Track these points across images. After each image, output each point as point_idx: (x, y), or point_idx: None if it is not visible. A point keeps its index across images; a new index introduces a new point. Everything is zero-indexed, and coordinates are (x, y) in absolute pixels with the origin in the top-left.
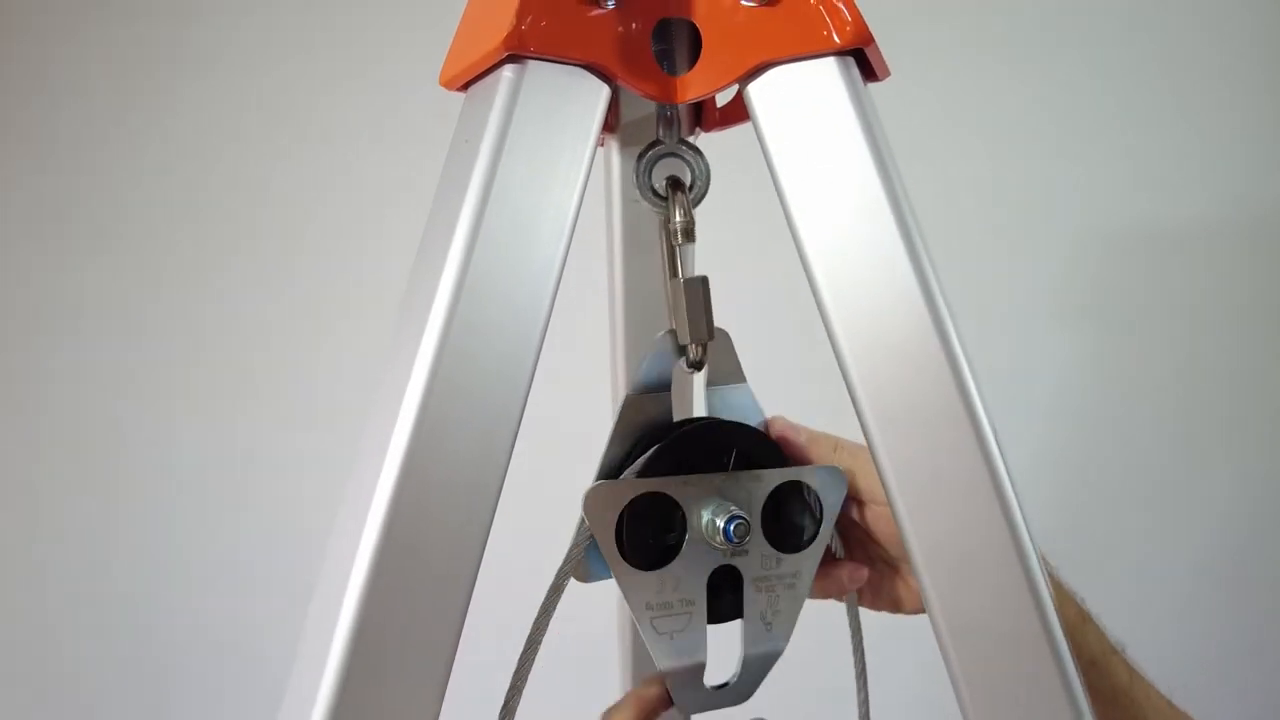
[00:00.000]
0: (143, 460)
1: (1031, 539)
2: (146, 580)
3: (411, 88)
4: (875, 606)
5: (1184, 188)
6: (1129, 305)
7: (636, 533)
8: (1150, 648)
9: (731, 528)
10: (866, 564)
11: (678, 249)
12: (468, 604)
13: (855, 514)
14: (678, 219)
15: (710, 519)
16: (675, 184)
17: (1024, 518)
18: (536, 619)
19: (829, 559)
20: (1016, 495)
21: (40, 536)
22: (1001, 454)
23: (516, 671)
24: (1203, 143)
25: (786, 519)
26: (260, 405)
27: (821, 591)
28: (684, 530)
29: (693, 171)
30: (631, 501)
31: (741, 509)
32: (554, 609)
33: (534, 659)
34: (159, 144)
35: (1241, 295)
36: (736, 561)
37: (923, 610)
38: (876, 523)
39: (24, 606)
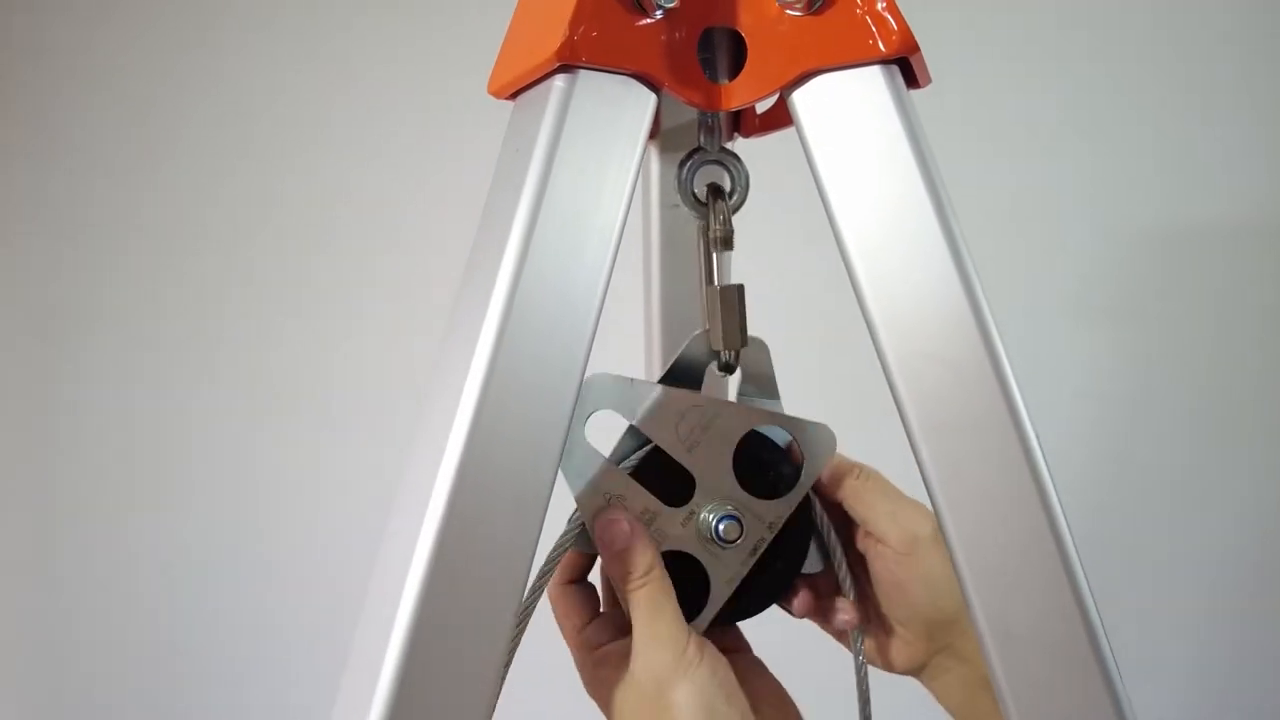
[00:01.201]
0: (159, 462)
1: (1076, 547)
2: (164, 582)
3: (426, 92)
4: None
5: (1205, 187)
6: (1150, 306)
7: None
8: (1174, 646)
9: (721, 527)
10: (861, 610)
11: (715, 255)
12: (519, 603)
13: (860, 545)
14: (717, 227)
15: (705, 518)
16: (716, 191)
17: (1068, 526)
18: (528, 594)
19: (829, 584)
20: (1060, 503)
21: (56, 539)
22: (1046, 462)
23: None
24: (1224, 142)
25: (761, 468)
26: (276, 407)
27: (805, 610)
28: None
29: (733, 179)
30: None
31: (735, 504)
32: (543, 589)
33: (523, 634)
34: (175, 149)
35: (1263, 295)
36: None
37: (912, 670)
38: (876, 562)
39: (40, 609)
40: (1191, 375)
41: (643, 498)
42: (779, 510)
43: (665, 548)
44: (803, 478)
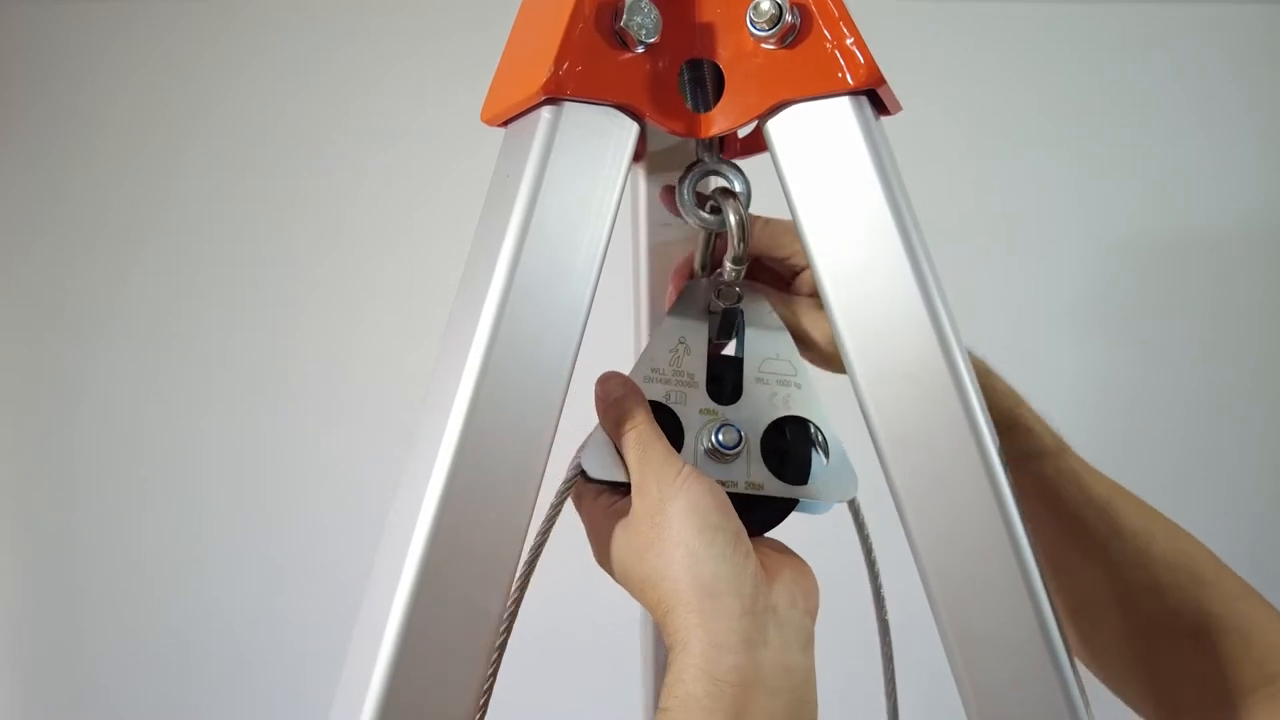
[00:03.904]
0: (170, 461)
1: (1033, 553)
2: (172, 578)
3: (434, 94)
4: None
5: (1201, 196)
6: (1144, 315)
7: None
8: None
9: (720, 435)
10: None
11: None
12: (508, 592)
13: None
14: (732, 220)
15: (705, 431)
16: (725, 192)
17: (1026, 533)
18: (529, 551)
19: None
20: (1019, 511)
21: (67, 534)
22: (1006, 472)
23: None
24: (1220, 152)
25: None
26: (285, 405)
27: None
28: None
29: (735, 183)
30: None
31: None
32: (555, 519)
33: (526, 586)
34: (188, 149)
35: (1258, 301)
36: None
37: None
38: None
39: (49, 605)
40: (1185, 383)
41: (698, 361)
42: (768, 485)
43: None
44: (804, 488)
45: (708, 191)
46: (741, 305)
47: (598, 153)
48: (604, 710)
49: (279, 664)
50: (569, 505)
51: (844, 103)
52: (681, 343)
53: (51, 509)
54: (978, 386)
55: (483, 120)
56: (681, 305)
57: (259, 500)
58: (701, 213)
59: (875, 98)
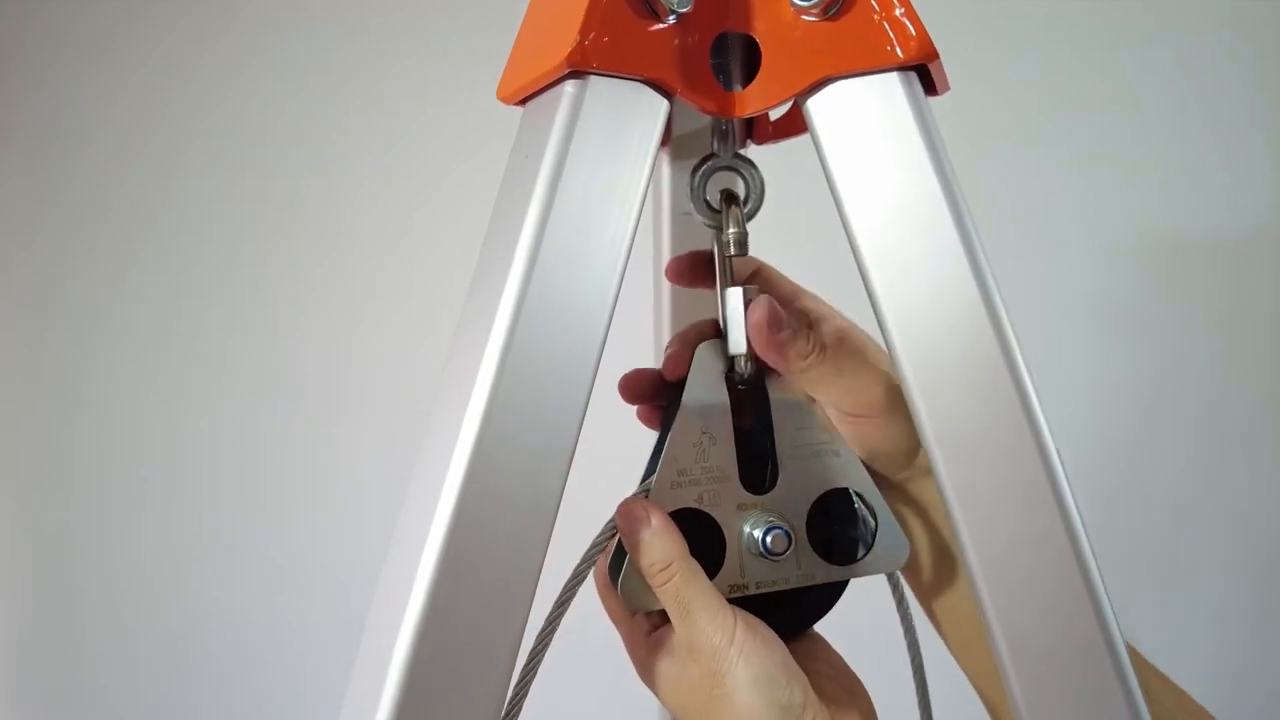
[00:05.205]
0: (170, 461)
1: (1097, 564)
2: (173, 580)
3: (434, 94)
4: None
5: (1212, 197)
6: (1156, 316)
7: None
8: (1179, 650)
9: (769, 538)
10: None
11: (729, 260)
12: (527, 616)
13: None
14: (731, 231)
15: (749, 532)
16: (730, 198)
17: (1090, 543)
18: (554, 607)
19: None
20: (1083, 520)
21: (67, 534)
22: (1067, 476)
23: (527, 664)
24: (1231, 152)
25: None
26: (287, 407)
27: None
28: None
29: (747, 185)
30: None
31: (781, 515)
32: (571, 600)
33: (545, 650)
34: (189, 147)
35: (1270, 303)
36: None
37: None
38: (840, 424)
39: (49, 606)
40: (1197, 384)
41: (726, 451)
42: (819, 572)
43: (700, 506)
44: (856, 566)
45: (719, 189)
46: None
47: (625, 131)
48: (616, 712)
49: (279, 664)
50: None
51: (893, 79)
52: (705, 434)
53: (51, 509)
54: (1036, 386)
55: (499, 98)
56: (696, 382)
57: (259, 500)
58: (710, 211)
59: (925, 74)
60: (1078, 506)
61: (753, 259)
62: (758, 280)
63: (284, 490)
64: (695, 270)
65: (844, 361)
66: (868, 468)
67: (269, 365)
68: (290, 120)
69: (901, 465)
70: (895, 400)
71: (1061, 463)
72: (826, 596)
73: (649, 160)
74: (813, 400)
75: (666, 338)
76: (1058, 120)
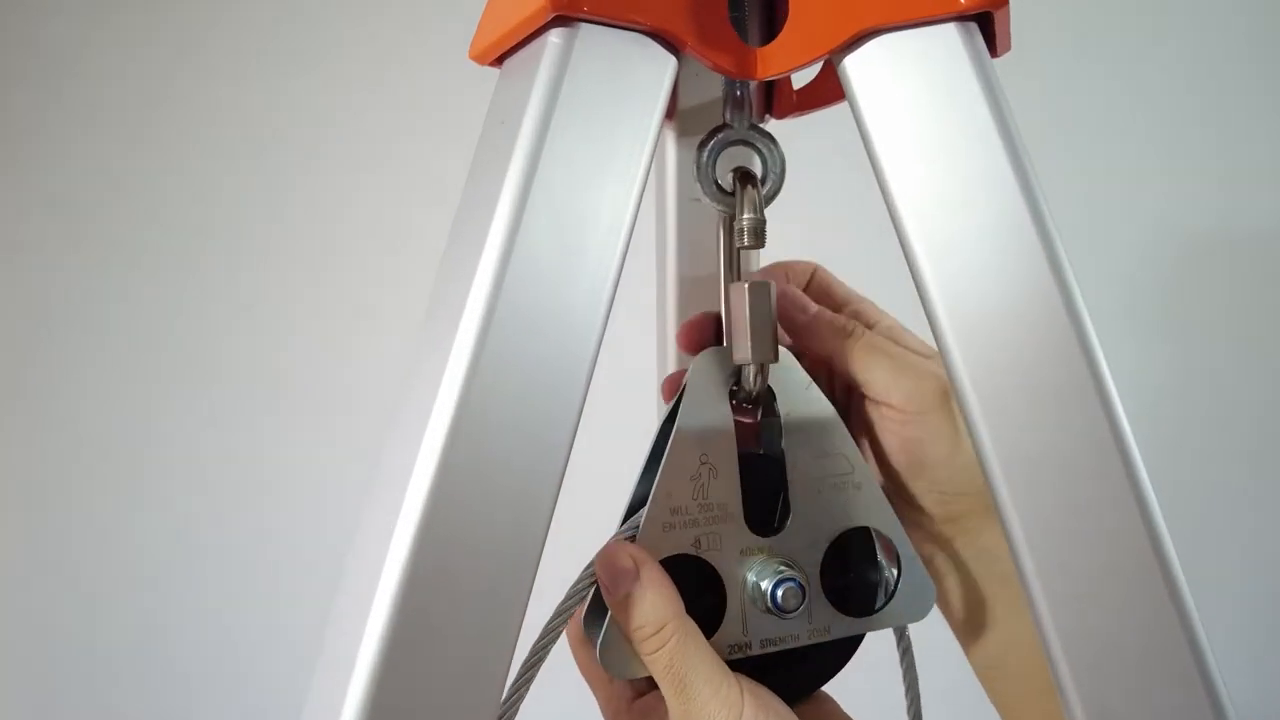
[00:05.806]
0: (170, 461)
1: (1198, 618)
2: (173, 581)
3: (434, 94)
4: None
5: (1263, 190)
6: (1204, 310)
7: None
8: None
9: (780, 593)
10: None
11: (740, 252)
12: (518, 633)
13: (863, 415)
14: (745, 217)
15: (755, 583)
16: (745, 176)
17: (1189, 593)
18: (520, 672)
19: None
20: (1180, 573)
21: (61, 537)
22: (1159, 507)
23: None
24: (1272, 146)
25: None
26: (282, 408)
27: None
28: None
29: (765, 162)
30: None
31: (792, 561)
32: (540, 664)
33: (528, 686)
34: (183, 148)
35: None
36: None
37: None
38: (882, 424)
39: (51, 607)
40: (1246, 379)
41: (729, 484)
42: (834, 626)
43: (697, 552)
44: (874, 619)
45: (732, 167)
46: (770, 383)
47: (623, 91)
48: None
49: (279, 664)
50: (598, 540)
51: (950, 30)
52: (704, 463)
53: (51, 509)
54: (1120, 394)
55: (471, 58)
56: (693, 400)
57: (258, 500)
58: (720, 193)
59: (987, 26)
60: (1177, 555)
61: (809, 262)
62: (813, 286)
63: (283, 490)
64: (704, 335)
65: (893, 347)
66: (901, 505)
67: (268, 365)
68: (289, 120)
69: (945, 494)
70: (950, 402)
71: (1157, 498)
72: (839, 653)
73: (654, 128)
74: (830, 412)
75: (672, 344)
76: (1118, 106)
